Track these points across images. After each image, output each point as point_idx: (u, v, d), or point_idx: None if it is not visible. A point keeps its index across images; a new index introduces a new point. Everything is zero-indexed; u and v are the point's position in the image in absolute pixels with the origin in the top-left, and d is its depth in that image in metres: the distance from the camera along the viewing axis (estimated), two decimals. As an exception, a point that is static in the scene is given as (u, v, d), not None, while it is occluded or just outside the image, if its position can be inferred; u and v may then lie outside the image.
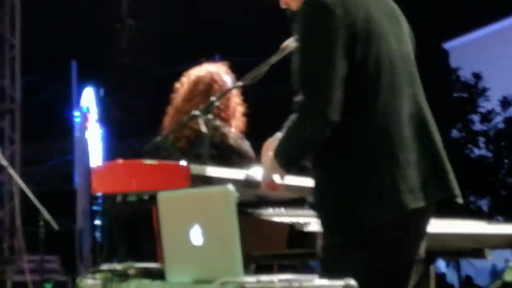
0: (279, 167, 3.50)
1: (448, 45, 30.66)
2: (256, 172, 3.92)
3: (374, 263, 3.32)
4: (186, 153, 4.96)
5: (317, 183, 3.50)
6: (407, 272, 3.57)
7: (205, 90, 5.37)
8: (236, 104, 5.38)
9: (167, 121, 5.49)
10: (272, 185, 3.61)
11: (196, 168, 3.64)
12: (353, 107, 3.36)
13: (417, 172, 3.34)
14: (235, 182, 3.51)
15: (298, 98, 3.39)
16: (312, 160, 3.52)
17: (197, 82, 5.46)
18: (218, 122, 4.94)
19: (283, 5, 3.66)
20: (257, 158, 5.16)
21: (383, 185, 3.31)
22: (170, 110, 5.53)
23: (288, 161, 3.49)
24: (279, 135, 3.64)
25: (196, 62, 5.95)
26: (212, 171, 3.74)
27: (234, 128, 5.14)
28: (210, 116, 4.34)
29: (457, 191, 3.47)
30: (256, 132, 4.41)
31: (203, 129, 4.79)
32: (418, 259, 3.59)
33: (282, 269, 3.77)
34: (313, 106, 3.35)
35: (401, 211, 3.30)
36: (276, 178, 3.60)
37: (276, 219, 3.98)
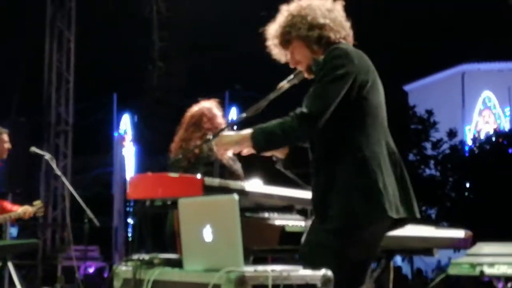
0: (249, 144, 3.38)
1: (407, 87, 30.76)
2: (254, 184, 3.91)
3: (349, 251, 3.28)
4: (187, 171, 4.99)
5: (321, 183, 3.42)
6: (367, 265, 3.54)
7: (196, 122, 5.54)
8: None
9: (173, 146, 5.58)
10: (222, 151, 3.56)
11: (208, 180, 3.63)
12: (363, 130, 3.35)
13: (393, 192, 3.31)
14: (238, 192, 3.50)
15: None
16: (320, 164, 3.46)
17: (191, 116, 5.65)
18: None
19: (292, 65, 3.60)
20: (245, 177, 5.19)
21: (373, 193, 3.27)
22: (176, 138, 5.63)
23: (266, 144, 3.39)
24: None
25: (215, 93, 6.01)
26: (221, 183, 3.73)
27: None
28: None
29: (417, 213, 3.43)
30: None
31: (204, 150, 4.88)
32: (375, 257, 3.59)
33: (275, 261, 3.75)
34: (311, 116, 3.30)
35: (382, 216, 3.27)
36: (230, 151, 3.53)
37: (270, 221, 3.98)
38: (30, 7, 13.99)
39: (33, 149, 8.65)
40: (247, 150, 3.44)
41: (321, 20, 3.48)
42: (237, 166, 5.43)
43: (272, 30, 3.59)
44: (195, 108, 5.70)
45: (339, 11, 3.57)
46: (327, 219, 3.33)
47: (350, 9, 3.67)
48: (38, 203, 8.21)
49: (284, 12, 3.56)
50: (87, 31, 13.88)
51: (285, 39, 3.55)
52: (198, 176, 3.63)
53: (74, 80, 13.50)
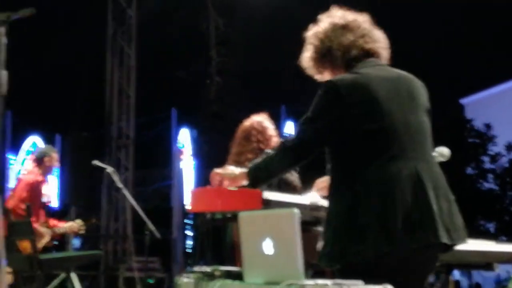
0: (245, 180, 3.49)
1: (464, 101, 30.39)
2: (313, 198, 3.91)
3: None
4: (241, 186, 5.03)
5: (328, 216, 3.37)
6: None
7: (246, 136, 5.63)
8: (276, 143, 5.50)
9: (228, 160, 5.64)
10: (219, 183, 3.61)
11: (268, 194, 3.65)
12: (360, 162, 3.25)
13: (403, 221, 3.12)
14: (298, 205, 3.51)
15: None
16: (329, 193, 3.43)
17: (242, 131, 5.78)
18: None
19: (319, 79, 3.61)
20: (303, 188, 5.17)
21: (370, 229, 3.13)
22: (231, 152, 5.71)
23: (254, 179, 3.48)
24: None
25: (271, 107, 6.06)
26: (281, 196, 3.74)
27: None
28: None
29: (445, 237, 3.17)
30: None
31: None
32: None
33: (333, 275, 3.75)
34: (291, 149, 3.37)
35: (376, 254, 3.12)
36: (227, 185, 3.60)
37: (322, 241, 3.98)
38: (91, 24, 14.23)
39: (96, 162, 8.80)
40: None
41: (327, 43, 3.49)
42: (294, 177, 5.45)
43: (304, 60, 3.63)
44: (246, 123, 5.77)
45: (353, 25, 3.50)
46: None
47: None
48: (79, 221, 8.46)
49: (308, 40, 3.60)
50: (148, 46, 14.06)
51: (316, 66, 3.59)
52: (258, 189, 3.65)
53: (135, 95, 13.69)
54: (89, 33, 14.09)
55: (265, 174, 3.50)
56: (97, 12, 13.83)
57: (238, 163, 5.48)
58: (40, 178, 8.26)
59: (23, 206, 7.87)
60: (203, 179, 13.62)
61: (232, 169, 3.61)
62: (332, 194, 3.38)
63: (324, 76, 3.57)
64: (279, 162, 3.43)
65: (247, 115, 5.87)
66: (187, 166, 15.50)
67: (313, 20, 3.69)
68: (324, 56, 3.51)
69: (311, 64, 3.58)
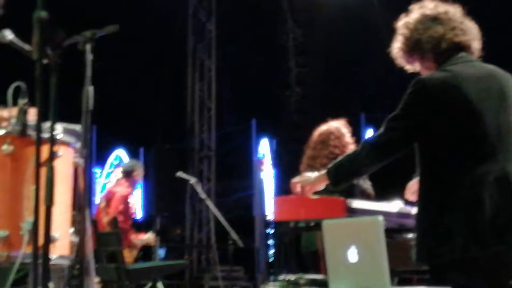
0: (326, 181, 3.42)
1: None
2: (396, 205, 3.88)
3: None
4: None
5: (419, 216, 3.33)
6: None
7: (324, 140, 5.59)
8: (351, 150, 5.46)
9: (301, 165, 5.63)
10: (301, 191, 3.54)
11: (352, 202, 3.63)
12: (448, 164, 3.22)
13: (491, 223, 3.08)
14: (383, 213, 3.49)
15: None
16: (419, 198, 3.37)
17: (319, 134, 5.73)
18: None
19: (410, 69, 3.60)
20: (377, 196, 5.10)
21: (458, 231, 3.09)
22: (304, 157, 5.69)
23: (336, 177, 3.41)
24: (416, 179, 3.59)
25: (351, 115, 6.04)
26: (365, 204, 3.73)
27: None
28: None
29: None
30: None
31: None
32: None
33: (420, 282, 3.69)
34: (375, 146, 3.35)
35: (465, 255, 3.07)
36: (308, 191, 3.51)
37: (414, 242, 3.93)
38: (172, 39, 14.43)
39: (179, 174, 8.93)
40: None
41: (416, 35, 3.45)
42: (367, 185, 5.40)
43: (394, 50, 3.60)
44: (323, 127, 5.75)
45: (445, 17, 3.46)
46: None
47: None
48: (150, 234, 8.72)
49: (398, 31, 3.57)
50: (228, 59, 14.19)
51: (406, 57, 3.57)
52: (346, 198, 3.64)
53: (216, 107, 13.83)
54: (170, 48, 14.28)
55: (347, 172, 3.44)
56: (178, 27, 14.03)
57: (311, 168, 5.48)
58: (129, 190, 8.48)
59: (121, 217, 8.09)
60: (283, 188, 13.62)
61: (309, 175, 3.58)
62: (421, 196, 3.33)
63: (415, 66, 3.56)
64: (364, 159, 3.36)
65: (324, 122, 5.87)
66: (267, 176, 15.51)
67: (390, 27, 3.69)
68: (413, 48, 3.48)
69: (401, 55, 3.56)
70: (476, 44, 3.48)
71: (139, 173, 8.69)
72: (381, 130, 3.33)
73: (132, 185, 8.67)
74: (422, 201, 3.32)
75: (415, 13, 3.50)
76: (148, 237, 8.73)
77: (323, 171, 3.44)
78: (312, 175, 3.53)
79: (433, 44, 3.41)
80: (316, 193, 3.71)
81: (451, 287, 3.10)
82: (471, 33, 3.47)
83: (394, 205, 3.82)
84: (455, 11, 3.47)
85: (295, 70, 13.63)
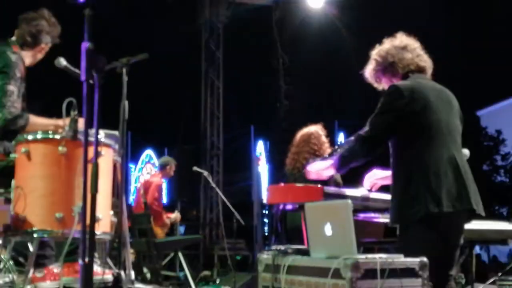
0: (332, 168, 3.56)
1: (479, 113, 29.67)
2: (362, 191, 3.87)
3: (428, 241, 3.20)
4: (298, 179, 5.01)
5: (392, 189, 3.47)
6: (452, 251, 3.39)
7: (306, 139, 5.62)
8: (326, 147, 5.49)
9: (287, 160, 5.66)
10: (317, 175, 3.64)
11: (327, 189, 3.63)
12: (414, 147, 3.34)
13: (447, 192, 3.24)
14: (351, 197, 3.48)
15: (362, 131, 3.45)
16: (392, 174, 3.48)
17: (302, 135, 5.70)
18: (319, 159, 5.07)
19: (379, 88, 3.69)
20: (345, 184, 5.09)
21: (421, 196, 3.24)
22: (289, 154, 5.70)
23: (341, 165, 3.54)
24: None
25: (327, 121, 6.05)
26: (337, 190, 3.72)
27: None
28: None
29: (475, 206, 3.31)
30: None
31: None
32: (458, 244, 3.39)
33: (380, 250, 3.69)
34: (367, 139, 3.43)
35: (428, 214, 3.21)
36: (323, 174, 3.65)
37: (376, 220, 3.92)
38: (189, 64, 14.44)
39: (195, 168, 8.90)
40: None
41: (390, 58, 3.55)
42: (337, 176, 5.40)
43: (367, 71, 3.69)
44: (305, 130, 5.75)
45: (411, 47, 3.59)
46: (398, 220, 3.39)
47: (430, 46, 3.67)
48: (176, 214, 8.78)
49: (372, 56, 3.65)
50: (232, 79, 14.17)
51: (376, 76, 3.66)
52: (319, 185, 3.64)
53: (223, 116, 13.82)
54: (188, 71, 14.30)
55: (350, 160, 3.53)
56: (194, 55, 14.02)
57: (296, 161, 5.52)
58: (161, 180, 8.49)
59: (155, 203, 8.12)
60: (275, 179, 13.63)
61: (320, 163, 3.69)
62: (394, 173, 3.45)
63: (381, 85, 3.67)
64: (359, 151, 3.48)
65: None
66: (263, 169, 15.50)
67: (360, 54, 3.73)
68: (386, 68, 3.58)
69: (373, 74, 3.66)
70: (430, 70, 3.64)
71: (171, 167, 8.69)
72: (368, 127, 3.42)
73: (164, 176, 8.69)
74: (395, 178, 3.44)
75: (386, 44, 3.63)
76: (175, 215, 8.75)
77: (329, 161, 3.57)
78: (322, 163, 3.60)
79: (404, 65, 3.55)
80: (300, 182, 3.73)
81: (413, 240, 3.19)
82: (428, 62, 3.63)
83: (359, 191, 3.82)
84: (417, 44, 3.64)
85: (284, 87, 13.62)
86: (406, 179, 3.33)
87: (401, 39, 3.60)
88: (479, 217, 3.43)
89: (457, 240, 3.38)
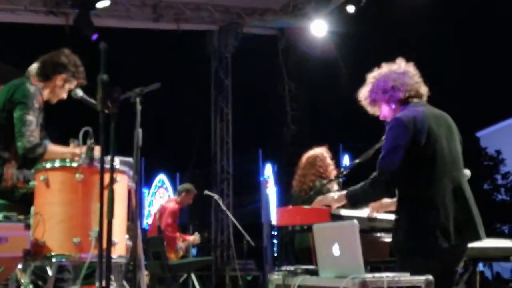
0: (344, 201, 3.47)
1: (478, 134, 29.61)
2: (367, 212, 3.85)
3: (431, 270, 3.09)
4: (305, 201, 4.98)
5: (397, 220, 3.39)
6: (454, 274, 3.37)
7: (311, 162, 5.56)
8: (332, 169, 5.44)
9: (294, 182, 5.62)
10: (322, 206, 3.58)
11: (334, 210, 3.61)
12: (420, 179, 3.28)
13: (454, 224, 3.18)
14: (357, 218, 3.46)
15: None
16: (398, 205, 3.40)
17: (307, 158, 5.65)
18: (325, 181, 5.00)
19: (381, 118, 3.59)
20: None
21: (430, 229, 3.17)
22: (295, 176, 5.65)
23: (354, 203, 3.48)
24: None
25: (332, 145, 6.04)
26: (344, 212, 3.70)
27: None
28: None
29: (482, 235, 3.30)
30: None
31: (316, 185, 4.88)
32: (458, 267, 3.37)
33: (386, 269, 3.65)
34: (381, 182, 3.30)
35: (437, 249, 3.16)
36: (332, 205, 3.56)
37: (382, 239, 3.90)
38: (200, 92, 14.54)
39: (206, 192, 8.90)
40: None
41: (391, 83, 3.44)
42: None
43: (362, 93, 3.58)
44: (310, 152, 5.71)
45: (411, 73, 3.50)
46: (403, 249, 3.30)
47: (425, 70, 3.63)
48: (197, 235, 8.62)
49: (369, 79, 3.55)
50: (240, 106, 14.24)
51: (372, 100, 3.54)
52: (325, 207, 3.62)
53: (232, 141, 13.83)
54: (198, 99, 14.38)
55: (363, 200, 3.48)
56: (204, 83, 14.11)
57: (302, 183, 5.48)
58: (177, 206, 8.41)
59: (169, 229, 8.07)
60: (283, 201, 13.58)
61: (331, 195, 3.60)
62: (400, 205, 3.36)
63: (375, 108, 3.56)
64: (374, 193, 3.39)
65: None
66: (271, 192, 15.47)
67: (357, 81, 3.69)
68: (385, 91, 3.46)
69: (368, 96, 3.54)
70: (425, 97, 3.54)
71: (188, 196, 8.56)
72: (381, 167, 3.29)
73: (181, 203, 8.55)
74: (402, 210, 3.35)
75: (385, 68, 3.53)
76: (194, 238, 8.69)
77: (343, 193, 3.49)
78: (333, 195, 3.56)
79: (405, 90, 3.44)
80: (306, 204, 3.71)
81: (417, 267, 3.07)
82: (425, 88, 3.54)
83: (364, 212, 3.80)
84: (415, 71, 3.54)
85: (290, 113, 13.63)
86: (411, 213, 3.26)
87: (401, 64, 3.50)
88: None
89: (459, 265, 3.36)
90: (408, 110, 3.38)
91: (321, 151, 5.67)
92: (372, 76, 3.54)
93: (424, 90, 3.52)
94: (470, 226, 3.24)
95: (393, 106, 3.47)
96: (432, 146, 3.29)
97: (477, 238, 3.27)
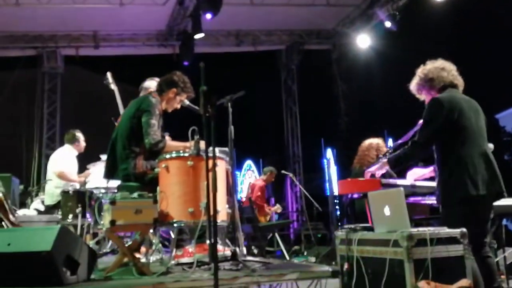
0: (387, 167, 3.42)
1: (497, 116, 28.02)
2: (410, 181, 3.74)
3: (467, 217, 3.03)
4: (358, 175, 4.87)
5: (439, 178, 3.30)
6: (484, 223, 3.22)
7: (371, 147, 5.47)
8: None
9: (355, 162, 5.55)
10: (374, 174, 3.49)
11: (384, 180, 3.54)
12: (454, 146, 3.21)
13: (482, 178, 3.11)
14: (402, 186, 3.39)
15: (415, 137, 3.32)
16: (438, 167, 3.32)
17: (369, 143, 5.57)
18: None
19: (420, 98, 3.56)
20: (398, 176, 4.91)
21: (463, 182, 3.11)
22: (356, 157, 5.58)
23: (395, 165, 3.41)
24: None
25: (375, 132, 5.94)
26: (392, 181, 3.62)
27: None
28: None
29: (503, 189, 3.20)
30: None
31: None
32: (489, 218, 3.23)
33: (428, 225, 3.54)
34: (418, 144, 3.28)
35: (468, 196, 3.08)
36: (378, 173, 3.50)
37: (423, 201, 3.78)
38: (273, 98, 14.49)
39: (283, 171, 8.95)
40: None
41: (430, 75, 3.44)
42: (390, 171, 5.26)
43: (412, 84, 3.56)
44: (371, 140, 5.63)
45: (447, 68, 3.45)
46: (445, 201, 3.22)
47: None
48: (278, 205, 8.66)
49: (417, 73, 3.54)
50: (305, 105, 14.07)
51: (418, 88, 3.53)
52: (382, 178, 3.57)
53: (300, 132, 13.75)
54: (273, 103, 14.38)
55: (403, 161, 3.43)
56: (275, 90, 14.09)
57: (362, 162, 5.39)
58: (264, 183, 8.62)
59: (258, 199, 8.27)
60: (341, 176, 13.38)
61: (375, 166, 3.57)
62: (439, 167, 3.30)
63: (421, 96, 3.53)
64: (412, 154, 3.35)
65: (365, 139, 5.76)
66: (332, 169, 15.29)
67: (399, 77, 3.63)
68: (426, 82, 3.46)
69: (416, 87, 3.53)
70: (461, 88, 3.49)
71: (271, 175, 8.84)
72: (419, 134, 3.29)
73: (266, 181, 8.85)
74: (440, 171, 3.28)
75: (429, 65, 3.52)
76: (276, 207, 8.84)
77: (384, 160, 3.47)
78: (377, 165, 3.52)
79: (440, 81, 3.43)
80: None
81: (455, 216, 3.04)
82: (460, 81, 3.49)
83: (407, 181, 3.70)
84: (452, 66, 3.51)
85: (343, 108, 13.42)
86: (449, 171, 3.20)
87: (441, 62, 3.50)
88: (504, 196, 3.25)
89: (489, 215, 3.21)
90: (444, 93, 3.38)
91: (379, 141, 5.62)
92: (419, 71, 3.55)
93: (459, 82, 3.48)
94: (494, 181, 3.17)
95: (433, 93, 3.47)
96: (463, 121, 3.25)
97: (501, 189, 3.17)
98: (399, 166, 3.48)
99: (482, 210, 3.16)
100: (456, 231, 2.73)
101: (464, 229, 2.74)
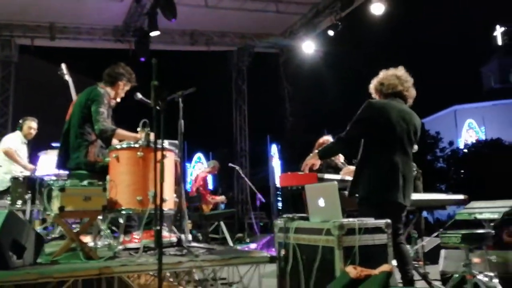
0: (317, 157, 3.43)
1: (423, 120, 29.39)
2: (342, 176, 3.82)
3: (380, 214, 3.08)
4: (319, 171, 4.91)
5: (356, 179, 3.35)
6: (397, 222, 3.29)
7: (322, 144, 5.33)
8: None
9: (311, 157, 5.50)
10: (306, 164, 3.53)
11: (320, 175, 3.60)
12: (374, 150, 3.26)
13: (400, 188, 3.19)
14: (336, 180, 3.46)
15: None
16: (357, 167, 3.37)
17: (322, 141, 5.40)
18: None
19: (377, 98, 3.56)
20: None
21: (376, 188, 3.20)
22: (313, 152, 5.53)
23: (323, 155, 3.45)
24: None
25: (314, 132, 5.94)
26: (326, 176, 3.69)
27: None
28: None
29: (400, 200, 3.21)
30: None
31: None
32: (397, 219, 3.28)
33: (358, 216, 3.64)
34: (341, 140, 3.31)
35: (380, 201, 3.17)
36: (310, 162, 3.50)
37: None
38: (224, 95, 14.45)
39: (230, 164, 8.93)
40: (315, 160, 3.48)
41: (383, 80, 3.45)
42: (337, 161, 5.32)
43: (370, 85, 3.56)
44: (323, 137, 5.59)
45: (403, 79, 3.45)
46: (362, 201, 3.27)
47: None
48: (223, 197, 8.62)
49: (378, 75, 3.53)
50: (253, 103, 14.13)
51: (373, 90, 3.53)
52: (318, 173, 3.62)
53: (248, 129, 13.76)
54: (223, 99, 14.31)
55: (329, 153, 3.54)
56: (227, 88, 14.05)
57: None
58: (206, 174, 8.52)
59: (201, 188, 8.17)
60: (284, 170, 13.55)
61: (309, 156, 3.56)
62: (359, 167, 3.33)
63: (376, 97, 3.52)
64: (336, 147, 3.43)
65: (310, 138, 5.71)
66: (276, 164, 15.45)
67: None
68: (377, 87, 3.48)
69: (372, 88, 3.54)
70: (410, 100, 3.50)
71: (214, 168, 8.71)
72: (345, 131, 3.32)
73: (210, 172, 8.72)
74: (360, 170, 3.33)
75: (390, 71, 3.51)
76: (221, 198, 8.75)
77: (316, 152, 3.48)
78: (310, 156, 3.53)
79: (389, 88, 3.43)
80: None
81: (369, 214, 3.06)
82: (411, 93, 3.49)
83: (340, 176, 3.78)
84: (409, 78, 3.48)
85: (289, 109, 13.55)
86: (368, 175, 3.25)
87: (401, 71, 3.48)
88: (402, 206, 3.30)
89: (395, 215, 3.17)
90: (382, 100, 3.39)
91: (328, 138, 5.59)
92: (379, 75, 3.54)
93: (409, 94, 3.46)
94: (393, 190, 3.20)
95: (381, 97, 3.47)
96: (388, 129, 3.26)
97: (396, 199, 3.18)
98: (326, 158, 3.59)
99: (387, 211, 3.17)
100: (381, 222, 2.82)
101: (389, 220, 2.84)
